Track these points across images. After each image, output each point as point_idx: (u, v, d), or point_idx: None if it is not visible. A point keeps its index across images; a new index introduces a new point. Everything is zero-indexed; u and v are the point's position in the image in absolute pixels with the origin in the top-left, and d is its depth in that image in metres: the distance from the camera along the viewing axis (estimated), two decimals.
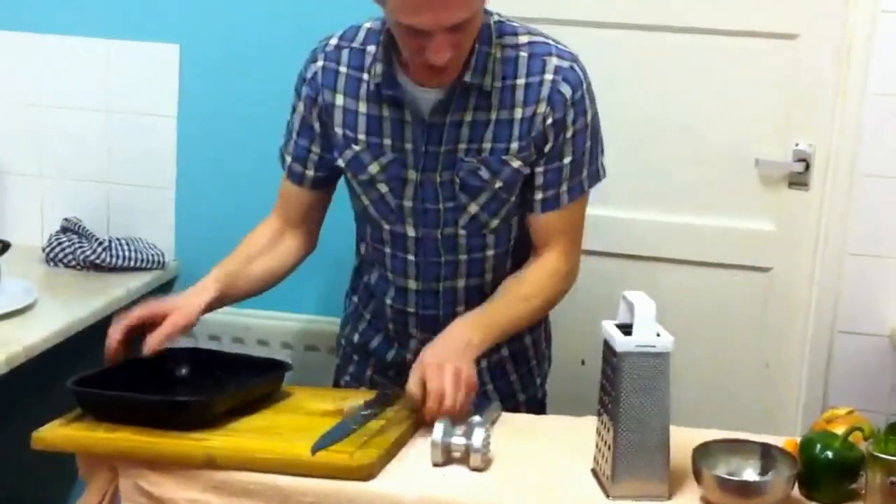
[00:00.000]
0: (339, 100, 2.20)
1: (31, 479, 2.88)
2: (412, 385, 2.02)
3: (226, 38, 3.10)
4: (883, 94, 2.85)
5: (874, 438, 1.78)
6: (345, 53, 2.21)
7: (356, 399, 2.09)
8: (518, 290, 2.21)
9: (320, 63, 2.23)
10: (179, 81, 3.12)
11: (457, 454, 1.88)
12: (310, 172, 2.29)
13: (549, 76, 2.13)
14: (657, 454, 1.82)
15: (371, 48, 2.18)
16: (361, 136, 2.19)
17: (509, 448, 1.95)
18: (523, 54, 2.15)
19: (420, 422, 2.01)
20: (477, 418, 1.95)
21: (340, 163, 2.24)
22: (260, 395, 2.08)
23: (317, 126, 2.25)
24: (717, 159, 2.99)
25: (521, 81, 2.14)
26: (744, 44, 2.93)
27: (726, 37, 2.94)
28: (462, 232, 2.23)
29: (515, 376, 2.39)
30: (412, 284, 2.28)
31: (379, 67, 2.15)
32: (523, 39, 2.16)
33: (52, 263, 3.02)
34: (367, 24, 2.22)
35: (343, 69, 2.20)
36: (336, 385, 2.47)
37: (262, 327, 3.11)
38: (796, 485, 1.81)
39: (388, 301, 2.32)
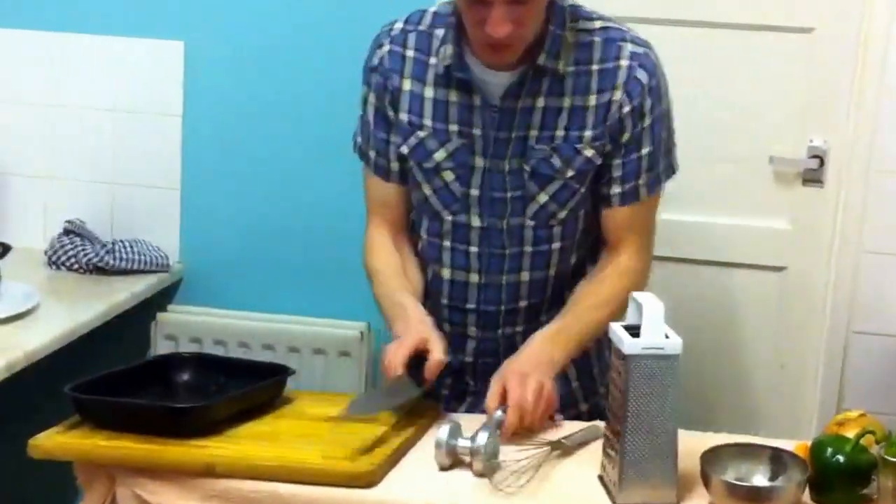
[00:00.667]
0: (407, 84, 2.16)
1: (32, 487, 2.86)
2: (490, 399, 1.99)
3: (231, 34, 3.06)
4: None
5: (886, 442, 1.76)
6: (411, 37, 2.17)
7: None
8: (594, 295, 2.16)
9: (386, 48, 2.19)
10: (184, 79, 3.08)
11: (464, 457, 1.85)
12: (395, 164, 2.23)
13: (624, 62, 2.09)
14: (666, 460, 1.78)
15: (439, 31, 2.14)
16: (427, 122, 2.15)
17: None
18: (597, 39, 2.11)
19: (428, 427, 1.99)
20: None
21: (404, 149, 2.18)
22: (261, 401, 2.05)
23: (391, 114, 2.19)
24: (730, 156, 2.96)
25: (595, 67, 2.10)
26: (758, 38, 2.91)
27: (740, 31, 2.92)
28: (529, 223, 2.17)
29: (577, 384, 2.31)
30: (474, 278, 2.21)
31: (449, 49, 2.11)
32: (597, 24, 2.13)
33: (54, 266, 2.99)
34: (433, 9, 2.18)
35: (410, 53, 2.16)
36: None
37: (269, 331, 3.06)
38: (807, 490, 1.78)
39: (445, 301, 2.25)
